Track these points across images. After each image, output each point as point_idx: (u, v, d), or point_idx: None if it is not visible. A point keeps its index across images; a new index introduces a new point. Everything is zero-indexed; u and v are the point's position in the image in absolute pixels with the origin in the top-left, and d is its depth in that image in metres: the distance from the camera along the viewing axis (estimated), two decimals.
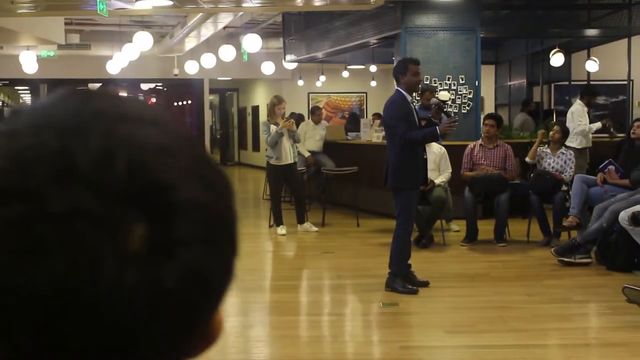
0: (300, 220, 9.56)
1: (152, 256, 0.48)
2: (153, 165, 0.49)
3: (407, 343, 5.05)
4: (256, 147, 21.37)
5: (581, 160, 9.09)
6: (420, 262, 6.81)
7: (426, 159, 6.39)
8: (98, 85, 18.19)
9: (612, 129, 10.52)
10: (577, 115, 9.66)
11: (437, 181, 8.26)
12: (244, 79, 20.20)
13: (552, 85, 15.22)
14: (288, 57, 14.86)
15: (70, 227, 0.47)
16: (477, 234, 8.39)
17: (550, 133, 8.64)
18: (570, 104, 11.64)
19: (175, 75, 16.75)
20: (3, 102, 26.09)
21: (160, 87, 24.44)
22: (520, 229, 8.54)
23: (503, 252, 8.01)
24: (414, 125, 6.14)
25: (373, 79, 18.41)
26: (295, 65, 16.13)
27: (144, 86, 23.75)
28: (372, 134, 11.16)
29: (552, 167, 8.38)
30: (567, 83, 14.58)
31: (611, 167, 7.99)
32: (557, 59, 12.33)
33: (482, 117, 9.52)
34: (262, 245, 9.13)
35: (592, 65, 12.85)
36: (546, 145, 8.62)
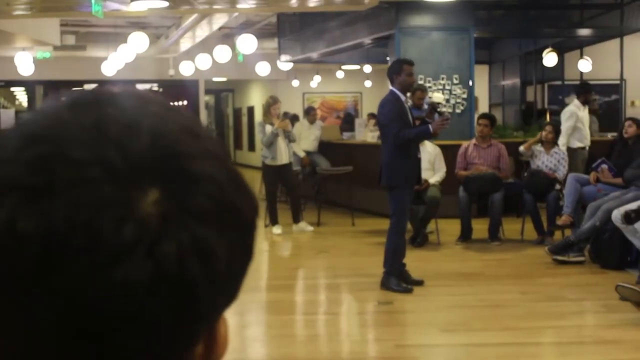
0: (296, 220, 9.59)
1: (160, 222, 0.49)
2: (174, 138, 0.52)
3: (402, 341, 5.09)
4: (252, 147, 21.39)
5: (576, 160, 9.08)
6: (414, 260, 6.85)
7: (420, 158, 6.43)
8: (94, 86, 18.16)
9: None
10: (566, 118, 9.66)
11: (431, 181, 8.31)
12: (239, 79, 20.21)
13: (546, 84, 15.28)
14: (283, 57, 14.89)
15: (86, 173, 0.48)
16: (471, 233, 8.44)
17: (543, 133, 8.68)
18: (563, 103, 11.70)
19: (171, 76, 16.77)
20: None
21: (156, 88, 24.42)
22: (514, 227, 8.59)
23: (497, 250, 8.05)
24: (408, 125, 6.18)
25: (368, 79, 18.44)
26: (290, 65, 16.15)
27: (140, 87, 23.74)
28: (367, 133, 11.19)
29: (546, 166, 8.43)
30: (560, 83, 14.65)
31: (604, 166, 8.04)
32: (550, 59, 12.39)
33: (476, 116, 9.56)
34: (257, 244, 9.07)
35: (584, 65, 12.90)
36: (540, 144, 8.66)
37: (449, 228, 8.51)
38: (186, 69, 14.80)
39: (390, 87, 6.26)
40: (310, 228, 9.56)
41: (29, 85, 18.39)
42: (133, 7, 9.02)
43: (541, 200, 8.26)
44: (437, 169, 8.57)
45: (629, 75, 13.03)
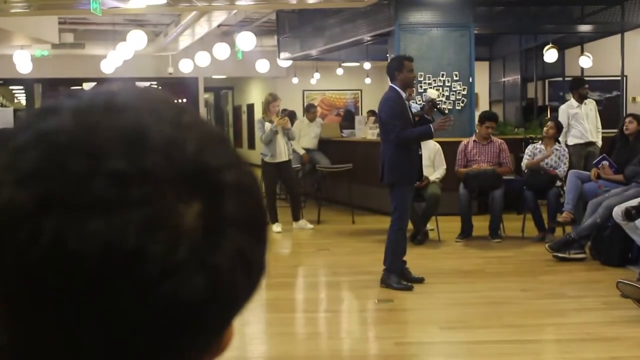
0: (296, 218, 9.57)
1: (205, 234, 0.49)
2: (211, 150, 0.52)
3: (402, 339, 5.07)
4: (252, 145, 21.37)
5: (572, 157, 9.03)
6: (415, 258, 6.83)
7: (421, 155, 6.42)
8: (93, 84, 18.17)
9: None
10: (559, 117, 9.64)
11: (432, 178, 8.29)
12: (238, 77, 20.18)
13: (546, 81, 15.24)
14: (282, 54, 14.86)
15: (134, 190, 0.47)
16: (472, 230, 8.42)
17: (544, 129, 8.66)
18: (564, 100, 11.66)
19: (170, 73, 16.74)
20: None
21: (155, 86, 24.44)
22: (514, 224, 8.56)
23: (498, 248, 8.03)
24: (409, 122, 6.18)
25: (367, 76, 18.41)
26: (289, 63, 16.13)
27: (139, 85, 23.72)
28: (366, 131, 11.17)
29: (546, 163, 8.40)
30: (561, 79, 14.61)
31: (605, 162, 8.03)
32: (550, 55, 12.35)
33: (477, 114, 9.52)
34: None
35: (585, 61, 12.86)
36: (540, 142, 8.64)
37: (450, 225, 8.49)
38: (185, 67, 14.78)
39: (391, 84, 6.24)
40: (310, 226, 9.54)
41: (27, 83, 18.37)
42: (131, 5, 9.01)
43: (542, 197, 8.24)
44: (437, 166, 8.55)
45: (630, 71, 12.99)
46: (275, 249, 9.09)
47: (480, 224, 8.44)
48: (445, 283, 6.46)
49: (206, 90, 20.79)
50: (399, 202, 6.15)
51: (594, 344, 4.81)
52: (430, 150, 8.41)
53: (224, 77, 19.92)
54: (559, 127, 8.72)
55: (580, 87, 9.80)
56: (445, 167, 8.57)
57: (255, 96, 20.99)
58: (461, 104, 10.50)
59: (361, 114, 17.15)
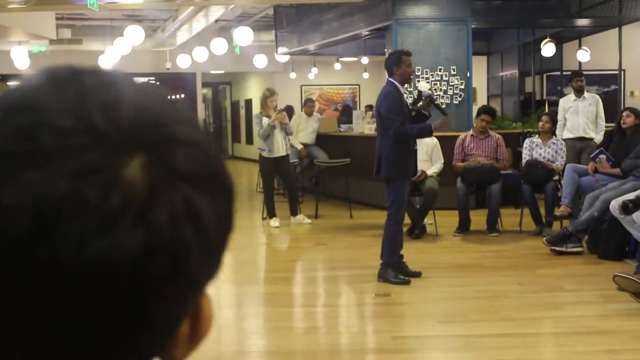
0: (293, 212, 9.57)
1: (149, 186, 0.48)
2: (159, 107, 0.52)
3: (399, 333, 5.08)
4: (250, 140, 21.36)
5: (568, 152, 8.97)
6: (412, 252, 6.84)
7: (416, 150, 6.42)
8: None
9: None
10: (559, 109, 9.63)
11: (429, 172, 8.29)
12: (236, 72, 20.17)
13: (544, 75, 15.25)
14: (280, 49, 14.85)
15: (71, 140, 0.47)
16: (469, 224, 8.42)
17: (540, 123, 8.66)
18: (562, 94, 11.68)
19: (168, 69, 16.73)
20: None
21: (153, 81, 24.43)
22: (512, 219, 8.57)
23: (495, 242, 8.04)
24: (407, 117, 6.19)
25: (365, 71, 18.40)
26: (287, 57, 16.12)
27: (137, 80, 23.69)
28: (364, 125, 11.17)
29: (543, 157, 8.41)
30: (558, 73, 14.62)
31: (602, 156, 8.03)
32: (548, 49, 12.36)
33: (476, 108, 9.51)
34: (255, 237, 9.14)
35: (583, 55, 12.87)
36: (537, 136, 8.64)
37: (447, 220, 8.49)
38: (183, 62, 14.76)
39: (389, 79, 6.23)
40: (308, 220, 9.55)
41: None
42: (129, 0, 8.99)
43: (539, 191, 8.24)
44: (434, 160, 8.55)
45: (628, 65, 13.01)
46: (272, 244, 9.10)
47: (478, 218, 8.45)
48: (443, 277, 6.47)
49: (204, 85, 20.78)
50: (396, 196, 6.16)
51: (590, 337, 4.82)
52: (428, 144, 8.41)
53: (222, 72, 19.91)
54: (554, 121, 8.72)
55: (571, 80, 9.76)
56: (442, 161, 8.57)
57: (253, 91, 20.98)
58: (459, 99, 10.50)
59: (359, 109, 17.15)
